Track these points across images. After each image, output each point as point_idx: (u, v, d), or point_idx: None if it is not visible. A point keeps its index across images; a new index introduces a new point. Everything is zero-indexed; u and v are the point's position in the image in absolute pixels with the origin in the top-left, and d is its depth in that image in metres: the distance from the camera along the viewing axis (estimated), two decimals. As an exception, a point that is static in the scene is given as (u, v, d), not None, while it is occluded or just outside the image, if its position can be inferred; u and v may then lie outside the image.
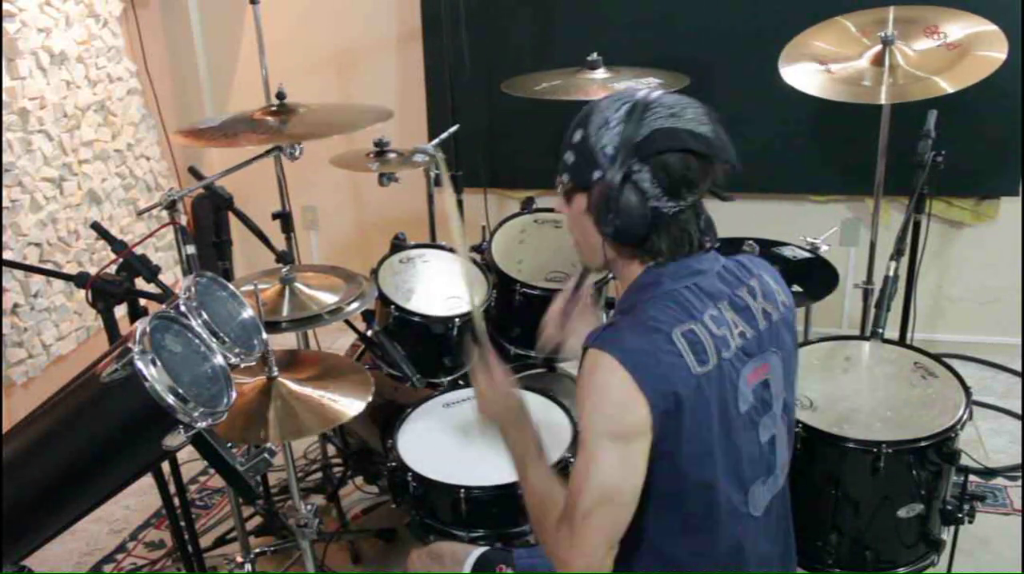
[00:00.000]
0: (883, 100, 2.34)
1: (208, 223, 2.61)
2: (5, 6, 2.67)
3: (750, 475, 1.33)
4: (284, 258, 2.25)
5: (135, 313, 1.75)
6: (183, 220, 1.97)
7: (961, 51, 2.35)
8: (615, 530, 1.24)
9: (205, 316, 1.27)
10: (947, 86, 2.27)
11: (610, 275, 2.39)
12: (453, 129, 2.86)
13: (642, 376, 1.21)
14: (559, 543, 1.26)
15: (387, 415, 2.27)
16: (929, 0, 2.51)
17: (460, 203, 3.04)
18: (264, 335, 1.44)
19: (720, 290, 1.33)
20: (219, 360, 1.19)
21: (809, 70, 2.44)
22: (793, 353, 1.41)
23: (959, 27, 2.39)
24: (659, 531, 1.31)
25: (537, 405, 2.15)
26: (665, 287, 1.30)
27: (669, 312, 1.27)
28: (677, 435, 1.23)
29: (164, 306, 1.25)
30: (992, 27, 2.35)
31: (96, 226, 1.75)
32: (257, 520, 2.51)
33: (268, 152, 2.27)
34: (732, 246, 2.41)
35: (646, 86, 2.50)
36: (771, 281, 1.40)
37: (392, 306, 2.23)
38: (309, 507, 1.92)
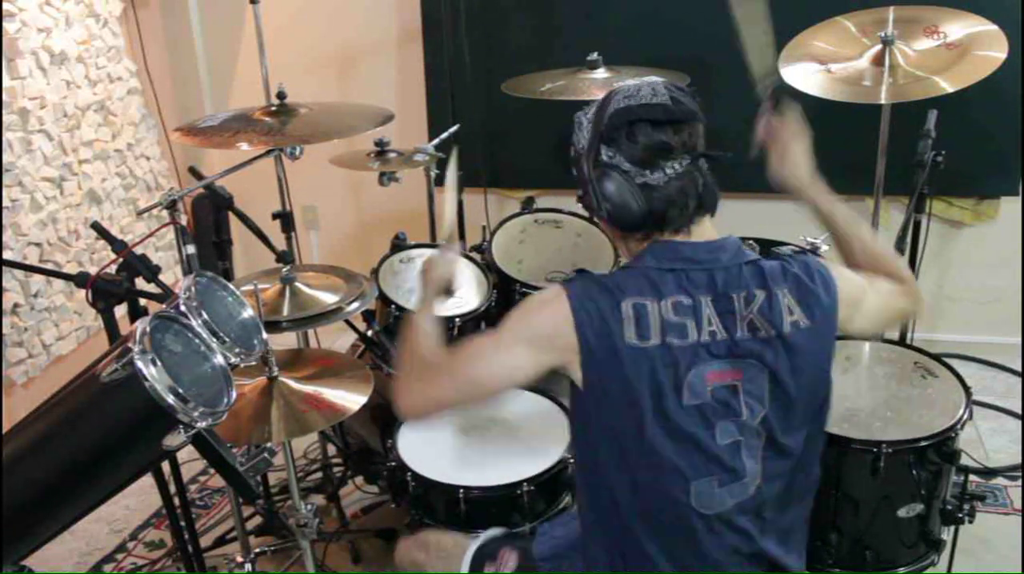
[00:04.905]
0: (883, 100, 2.34)
1: (208, 223, 2.60)
2: (5, 6, 2.67)
3: (691, 466, 1.32)
4: (284, 258, 2.25)
5: (135, 313, 1.75)
6: (183, 220, 1.97)
7: (961, 51, 2.34)
8: (455, 402, 1.41)
9: (205, 316, 1.27)
10: (947, 86, 2.27)
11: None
12: (453, 129, 2.86)
13: (580, 318, 1.30)
14: (412, 375, 1.43)
15: (387, 415, 2.27)
16: (929, 0, 2.51)
17: (460, 204, 3.04)
18: (264, 335, 1.44)
19: (710, 284, 1.34)
20: (219, 360, 1.19)
21: (809, 70, 2.44)
22: (793, 379, 1.34)
23: (959, 27, 2.39)
24: (614, 486, 1.37)
25: (536, 405, 2.15)
26: (645, 262, 1.36)
27: (631, 282, 1.33)
28: (602, 389, 1.31)
29: (164, 306, 1.25)
30: (992, 27, 2.35)
31: (96, 226, 1.75)
32: (257, 520, 2.51)
33: (268, 152, 2.27)
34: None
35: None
36: (791, 300, 1.34)
37: (392, 306, 2.23)
38: (309, 507, 1.92)
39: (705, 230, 1.39)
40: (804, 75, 2.42)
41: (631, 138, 1.32)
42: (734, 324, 1.33)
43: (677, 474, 1.33)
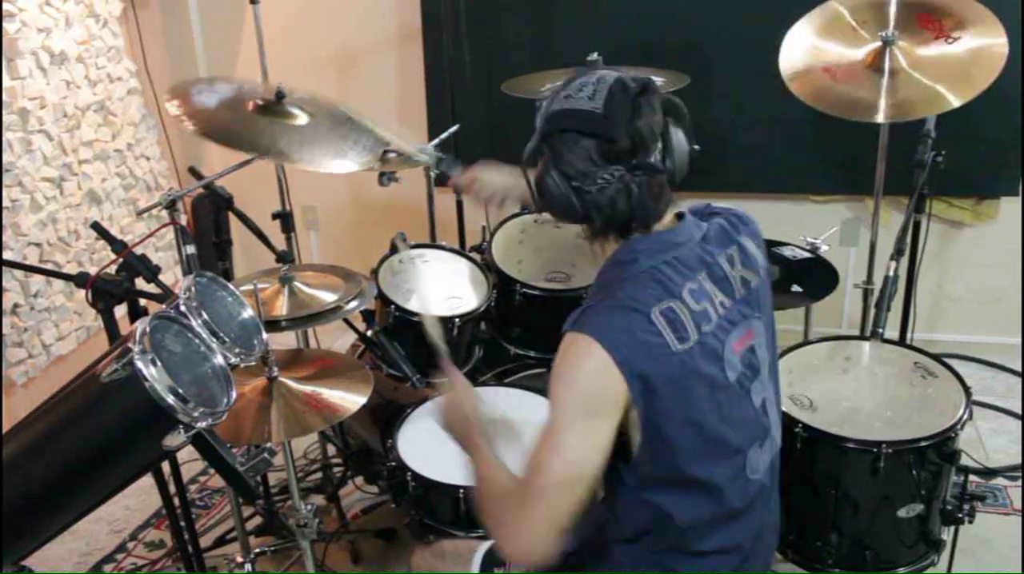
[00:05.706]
0: (880, 119, 2.28)
1: (208, 223, 2.61)
2: (5, 6, 2.67)
3: (746, 440, 1.34)
4: (284, 258, 2.25)
5: (135, 313, 1.75)
6: (183, 220, 1.97)
7: (962, 45, 2.28)
8: (568, 512, 1.23)
9: (205, 316, 1.27)
10: (953, 99, 2.19)
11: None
12: (453, 129, 2.86)
13: (621, 355, 1.22)
14: (505, 520, 1.26)
15: (387, 415, 2.27)
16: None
17: (460, 204, 3.04)
18: (264, 335, 1.44)
19: (700, 260, 1.33)
20: (219, 360, 1.19)
21: (810, 78, 2.39)
22: (772, 316, 1.43)
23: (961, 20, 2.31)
24: (672, 505, 1.32)
25: (535, 405, 2.15)
26: (642, 264, 1.30)
27: (648, 291, 1.27)
28: (661, 413, 1.25)
29: (164, 306, 1.25)
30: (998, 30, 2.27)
31: (96, 226, 1.75)
32: (257, 520, 2.51)
33: (268, 152, 2.26)
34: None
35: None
36: (751, 245, 1.41)
37: (392, 306, 2.23)
38: (309, 507, 1.92)
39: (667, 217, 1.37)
40: (806, 84, 2.38)
41: (562, 143, 1.28)
42: (731, 287, 1.34)
43: (739, 454, 1.33)
